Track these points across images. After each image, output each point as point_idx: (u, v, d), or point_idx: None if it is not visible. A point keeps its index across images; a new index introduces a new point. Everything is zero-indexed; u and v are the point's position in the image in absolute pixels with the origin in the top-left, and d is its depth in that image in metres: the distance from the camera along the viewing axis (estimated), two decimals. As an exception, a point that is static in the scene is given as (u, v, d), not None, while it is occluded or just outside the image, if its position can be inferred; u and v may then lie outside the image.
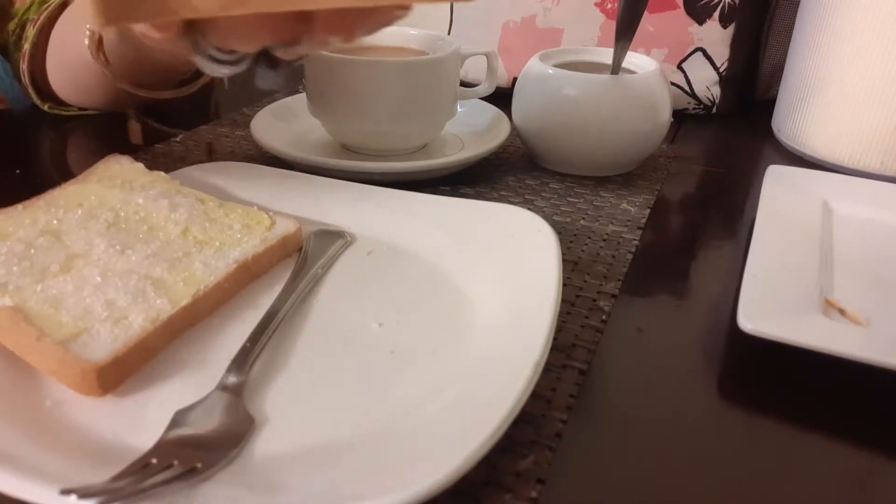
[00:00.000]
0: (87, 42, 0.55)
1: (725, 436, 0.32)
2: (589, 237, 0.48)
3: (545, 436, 0.31)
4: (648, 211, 0.52)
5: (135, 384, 0.32)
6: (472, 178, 0.56)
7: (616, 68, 0.57)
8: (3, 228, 0.39)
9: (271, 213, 0.43)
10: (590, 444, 0.31)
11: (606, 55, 0.59)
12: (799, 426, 0.33)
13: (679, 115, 0.74)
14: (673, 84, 0.71)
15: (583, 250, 0.47)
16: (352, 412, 0.31)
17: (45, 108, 0.66)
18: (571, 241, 0.48)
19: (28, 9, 0.64)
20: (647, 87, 0.55)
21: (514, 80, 0.60)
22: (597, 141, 0.55)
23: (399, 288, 0.40)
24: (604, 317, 0.40)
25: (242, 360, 0.33)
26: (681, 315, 0.41)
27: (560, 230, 0.47)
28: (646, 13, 0.65)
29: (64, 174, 0.46)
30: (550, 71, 0.56)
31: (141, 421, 0.30)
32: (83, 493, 0.24)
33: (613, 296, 0.42)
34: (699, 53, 0.71)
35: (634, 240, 0.48)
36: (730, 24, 0.70)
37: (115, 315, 0.33)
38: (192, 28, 0.33)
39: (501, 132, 0.58)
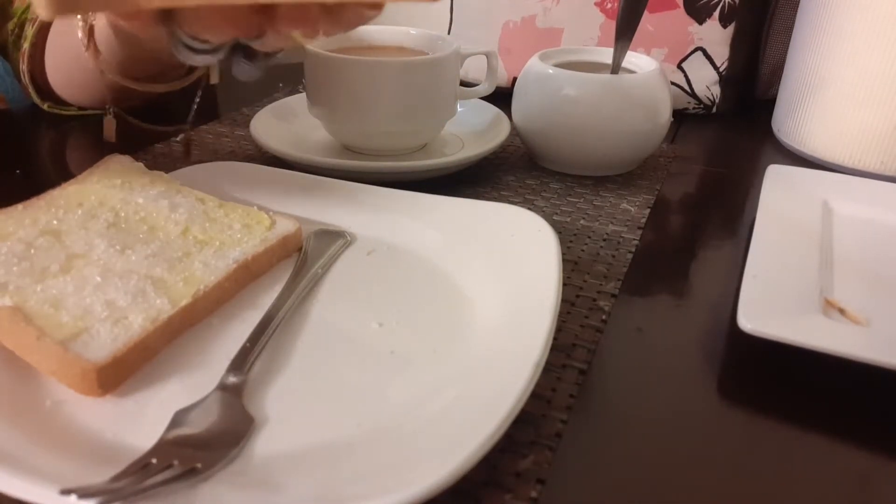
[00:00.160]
0: (79, 34, 0.55)
1: (725, 436, 0.32)
2: (589, 237, 0.48)
3: (545, 436, 0.31)
4: (648, 211, 0.52)
5: (135, 384, 0.32)
6: (472, 178, 0.56)
7: (616, 68, 0.57)
8: (3, 228, 0.39)
9: (271, 213, 0.43)
10: (590, 444, 0.31)
11: (606, 55, 0.59)
12: (799, 426, 0.33)
13: (679, 115, 0.74)
14: (673, 84, 0.71)
15: (583, 250, 0.47)
16: (352, 412, 0.31)
17: (45, 107, 0.66)
18: (571, 241, 0.48)
19: (27, 8, 0.64)
20: (647, 86, 0.55)
21: (514, 80, 0.60)
22: (597, 141, 0.55)
23: (399, 288, 0.40)
24: (604, 317, 0.40)
25: (242, 361, 0.33)
26: (681, 315, 0.41)
27: (560, 230, 0.47)
28: (646, 13, 0.65)
29: (64, 174, 0.46)
30: (550, 71, 0.56)
31: (141, 421, 0.30)
32: (83, 493, 0.24)
33: (613, 296, 0.42)
34: (699, 53, 0.71)
35: (634, 240, 0.48)
36: (730, 24, 0.70)
37: (115, 315, 0.33)
38: (168, 17, 0.34)
39: (501, 132, 0.58)
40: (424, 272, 0.42)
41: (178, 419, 0.29)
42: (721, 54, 0.71)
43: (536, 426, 0.31)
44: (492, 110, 0.62)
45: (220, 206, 0.43)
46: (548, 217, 0.46)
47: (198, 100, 0.56)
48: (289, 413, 0.31)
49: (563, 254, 0.40)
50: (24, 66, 0.64)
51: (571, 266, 0.44)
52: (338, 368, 0.34)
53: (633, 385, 0.35)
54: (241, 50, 0.37)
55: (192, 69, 0.64)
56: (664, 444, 0.32)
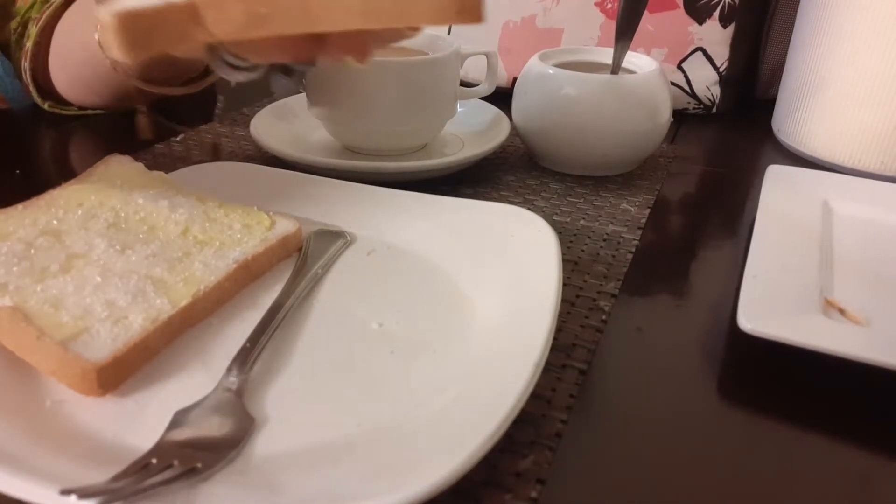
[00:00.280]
0: (97, 37, 0.54)
1: (725, 436, 0.32)
2: (589, 237, 0.48)
3: (545, 436, 0.31)
4: (648, 211, 0.52)
5: (135, 384, 0.32)
6: (472, 178, 0.56)
7: (616, 68, 0.57)
8: (3, 228, 0.39)
9: (271, 213, 0.43)
10: (590, 444, 0.31)
11: (606, 55, 0.59)
12: (799, 426, 0.33)
13: (679, 115, 0.74)
14: (673, 84, 0.71)
15: (583, 250, 0.47)
16: (352, 412, 0.31)
17: (46, 106, 0.66)
18: (571, 241, 0.48)
19: (30, 7, 0.64)
20: (647, 86, 0.55)
21: (514, 80, 0.60)
22: (597, 141, 0.55)
23: (399, 288, 0.40)
24: (604, 317, 0.40)
25: (242, 361, 0.33)
26: (681, 315, 0.41)
27: (560, 230, 0.47)
28: (646, 13, 0.65)
29: (64, 174, 0.46)
30: (550, 71, 0.56)
31: (141, 421, 0.30)
32: (83, 493, 0.24)
33: (613, 296, 0.42)
34: (699, 53, 0.71)
35: (634, 240, 0.48)
36: (730, 24, 0.70)
37: (115, 315, 0.33)
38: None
39: (501, 132, 0.58)
40: (424, 272, 0.42)
41: (179, 419, 0.29)
42: (721, 54, 0.71)
43: (536, 426, 0.31)
44: (492, 110, 0.62)
45: (220, 206, 0.43)
46: (548, 217, 0.46)
47: (221, 98, 0.56)
48: (289, 413, 0.31)
49: (563, 254, 0.40)
50: (26, 64, 0.64)
51: (571, 266, 0.44)
52: (338, 368, 0.34)
53: (633, 385, 0.35)
54: (279, 66, 0.37)
55: (208, 72, 0.64)
56: (664, 444, 0.32)
